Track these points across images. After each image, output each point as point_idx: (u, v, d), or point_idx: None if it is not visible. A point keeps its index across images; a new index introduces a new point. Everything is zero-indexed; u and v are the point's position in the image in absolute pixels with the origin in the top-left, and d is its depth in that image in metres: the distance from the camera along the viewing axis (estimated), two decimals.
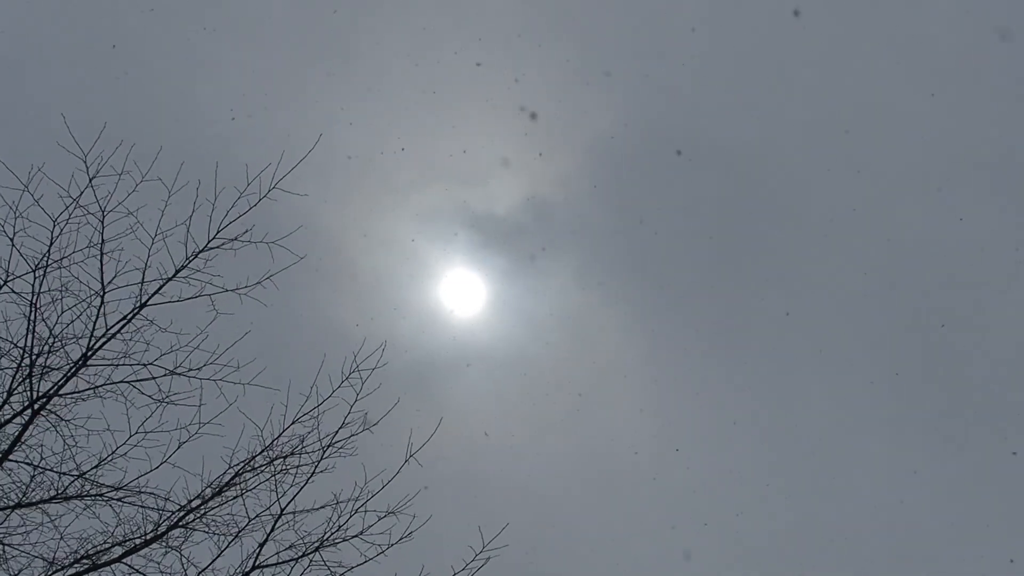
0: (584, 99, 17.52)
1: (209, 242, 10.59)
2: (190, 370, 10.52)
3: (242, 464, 10.61)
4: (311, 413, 10.75)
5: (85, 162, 10.15)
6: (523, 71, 17.21)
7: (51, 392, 10.25)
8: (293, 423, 10.81)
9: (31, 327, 10.21)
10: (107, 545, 10.34)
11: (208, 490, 10.56)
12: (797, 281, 18.31)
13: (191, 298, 10.67)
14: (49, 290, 10.34)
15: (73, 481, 10.32)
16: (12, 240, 10.11)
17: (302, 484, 10.68)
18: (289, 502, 10.61)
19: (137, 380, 10.46)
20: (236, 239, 10.53)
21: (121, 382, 10.40)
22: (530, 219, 17.69)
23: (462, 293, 17.91)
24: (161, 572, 10.36)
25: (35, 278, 10.21)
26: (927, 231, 18.26)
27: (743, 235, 18.24)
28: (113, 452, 10.39)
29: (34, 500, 10.24)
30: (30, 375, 10.17)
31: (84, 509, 10.39)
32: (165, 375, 10.45)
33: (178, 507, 10.45)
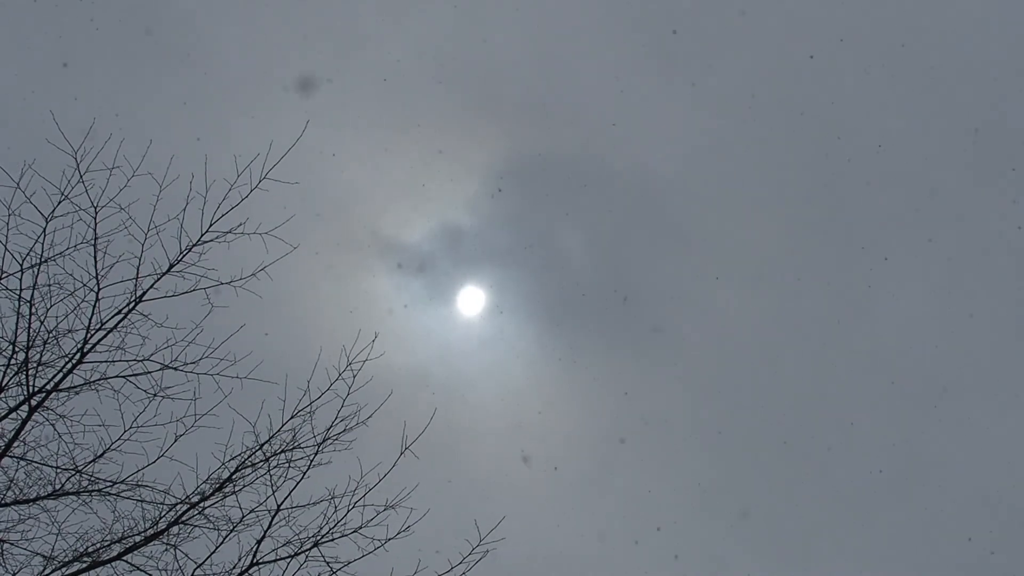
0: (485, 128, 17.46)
1: (202, 235, 10.57)
2: (186, 364, 10.52)
3: (241, 459, 10.56)
4: (307, 408, 10.67)
5: (76, 158, 10.18)
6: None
7: (49, 388, 10.28)
8: (292, 417, 10.74)
9: (27, 323, 10.25)
10: (107, 542, 10.35)
11: (206, 485, 10.53)
12: (702, 303, 18.07)
13: (186, 292, 10.65)
14: (49, 284, 10.36)
15: (71, 476, 10.36)
16: (6, 237, 10.17)
17: (299, 479, 10.61)
18: (286, 497, 10.53)
19: (132, 374, 10.47)
20: (230, 231, 10.53)
21: (115, 377, 10.40)
22: (442, 245, 17.67)
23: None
24: (160, 569, 10.33)
25: (30, 275, 10.25)
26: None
27: (651, 259, 18.03)
28: (109, 446, 10.40)
29: (31, 496, 10.28)
30: (26, 371, 10.19)
31: (81, 504, 10.41)
32: (160, 369, 10.44)
33: (177, 501, 10.42)
